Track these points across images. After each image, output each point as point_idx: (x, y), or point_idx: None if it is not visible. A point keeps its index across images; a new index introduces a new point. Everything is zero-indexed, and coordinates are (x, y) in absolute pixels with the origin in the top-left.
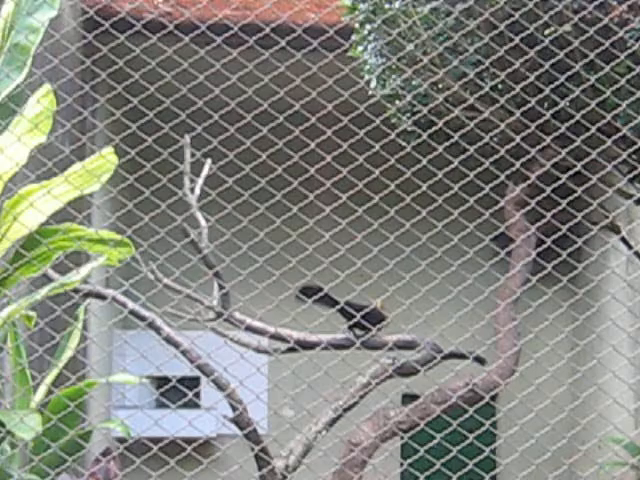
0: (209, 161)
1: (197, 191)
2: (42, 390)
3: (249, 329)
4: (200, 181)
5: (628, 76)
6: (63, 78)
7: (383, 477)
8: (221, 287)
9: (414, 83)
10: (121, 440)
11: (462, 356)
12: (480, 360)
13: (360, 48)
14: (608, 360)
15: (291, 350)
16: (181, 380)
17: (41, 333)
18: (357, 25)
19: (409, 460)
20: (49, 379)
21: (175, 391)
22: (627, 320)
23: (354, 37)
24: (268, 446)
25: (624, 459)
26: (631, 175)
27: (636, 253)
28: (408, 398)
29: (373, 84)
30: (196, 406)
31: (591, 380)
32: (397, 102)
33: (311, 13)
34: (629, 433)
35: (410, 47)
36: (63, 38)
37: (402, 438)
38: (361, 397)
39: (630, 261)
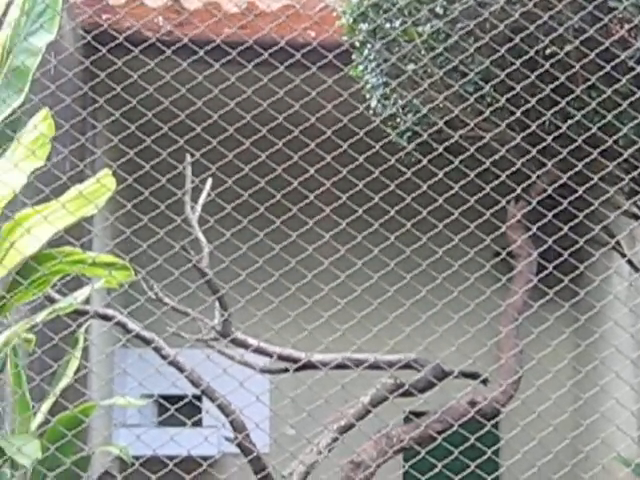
0: (210, 180)
1: (198, 211)
2: (41, 416)
3: (251, 349)
4: (201, 200)
5: (630, 98)
6: (62, 103)
7: None
8: (223, 308)
9: (415, 102)
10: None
11: (464, 376)
12: (482, 380)
13: (360, 68)
14: (611, 385)
15: (290, 370)
16: (183, 399)
17: (42, 357)
18: (357, 44)
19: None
20: (45, 406)
21: (178, 411)
22: (630, 344)
23: (354, 57)
24: (270, 466)
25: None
26: (635, 197)
27: (632, 265)
28: (410, 419)
29: (374, 104)
30: (199, 425)
31: (594, 407)
32: (398, 122)
33: (312, 31)
34: (635, 458)
35: (410, 68)
36: (63, 62)
37: (405, 459)
38: (362, 418)
39: (633, 284)
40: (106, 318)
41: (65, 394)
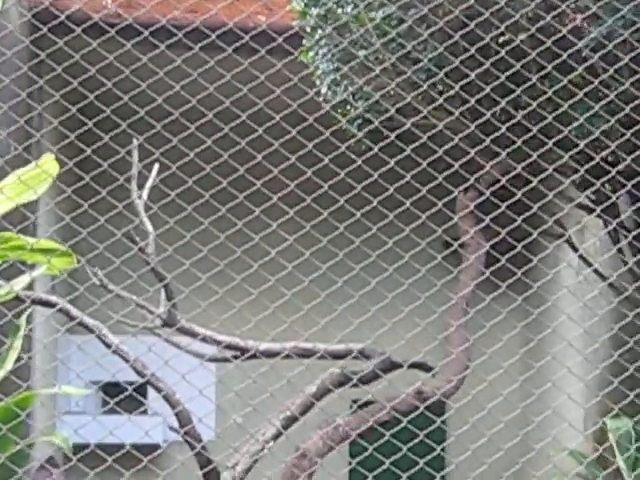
0: (156, 166)
1: (144, 196)
2: None
3: (196, 337)
4: (148, 186)
5: (585, 88)
6: (6, 80)
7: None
8: (168, 296)
9: (365, 89)
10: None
11: (413, 366)
12: (428, 369)
13: (311, 54)
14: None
15: (238, 358)
16: (128, 385)
17: None
18: (308, 30)
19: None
20: None
21: (122, 398)
22: (581, 338)
23: (305, 42)
24: (215, 455)
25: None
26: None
27: (583, 259)
28: (357, 405)
29: (324, 90)
30: (144, 412)
31: (545, 401)
32: (348, 109)
33: (262, 16)
34: (577, 439)
35: (362, 54)
36: (6, 42)
37: (351, 453)
38: (309, 408)
39: (583, 277)
40: (48, 305)
41: (6, 384)
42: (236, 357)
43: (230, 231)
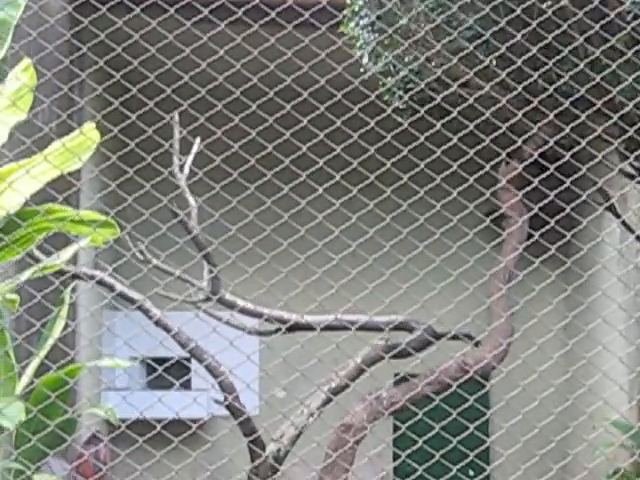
0: (198, 139)
1: (186, 170)
2: (27, 375)
3: (240, 311)
4: (189, 160)
5: (629, 49)
6: (49, 57)
7: (376, 458)
8: (211, 269)
9: (407, 59)
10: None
11: (456, 337)
12: (472, 339)
13: (352, 24)
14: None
15: (281, 331)
16: (172, 361)
17: (29, 318)
18: (349, 1)
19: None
20: (31, 367)
21: (166, 372)
22: (625, 302)
23: (346, 12)
24: (260, 428)
25: (617, 437)
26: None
27: (626, 226)
28: (401, 379)
29: (365, 60)
30: (188, 387)
31: (588, 364)
32: (390, 79)
33: None
34: (621, 409)
35: (403, 21)
36: (49, 5)
37: (396, 419)
38: (353, 379)
39: (623, 237)
40: (92, 279)
41: (52, 356)
42: (278, 330)
43: (274, 197)
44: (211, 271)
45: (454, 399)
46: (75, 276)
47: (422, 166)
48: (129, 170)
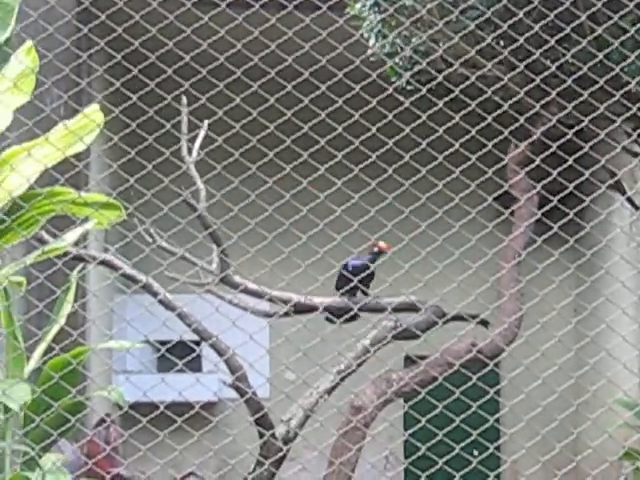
0: (206, 123)
1: (194, 153)
2: (35, 358)
3: (248, 292)
4: (197, 143)
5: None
6: (56, 45)
7: (386, 440)
8: (218, 246)
9: (413, 40)
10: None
11: (465, 319)
12: (483, 323)
13: (358, 5)
14: (616, 322)
15: (289, 314)
16: (182, 344)
17: (38, 298)
18: None
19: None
20: (39, 350)
21: (176, 355)
22: (634, 282)
23: None
24: (269, 410)
25: (630, 422)
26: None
27: (632, 203)
28: (410, 361)
29: (372, 41)
30: (198, 370)
31: (597, 344)
32: (396, 62)
33: None
34: (635, 396)
35: (409, 1)
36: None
37: (405, 401)
38: (363, 361)
39: (636, 220)
40: (101, 262)
41: (61, 339)
42: (287, 314)
43: (278, 176)
44: (222, 254)
45: (464, 378)
46: (82, 259)
47: (424, 145)
48: (131, 151)
